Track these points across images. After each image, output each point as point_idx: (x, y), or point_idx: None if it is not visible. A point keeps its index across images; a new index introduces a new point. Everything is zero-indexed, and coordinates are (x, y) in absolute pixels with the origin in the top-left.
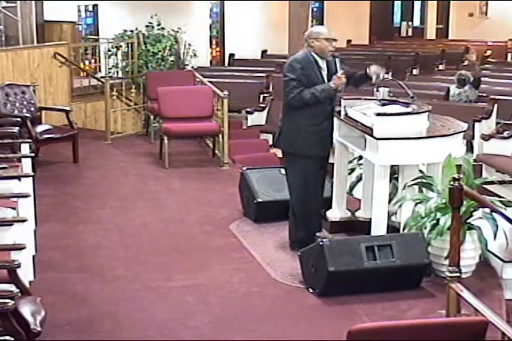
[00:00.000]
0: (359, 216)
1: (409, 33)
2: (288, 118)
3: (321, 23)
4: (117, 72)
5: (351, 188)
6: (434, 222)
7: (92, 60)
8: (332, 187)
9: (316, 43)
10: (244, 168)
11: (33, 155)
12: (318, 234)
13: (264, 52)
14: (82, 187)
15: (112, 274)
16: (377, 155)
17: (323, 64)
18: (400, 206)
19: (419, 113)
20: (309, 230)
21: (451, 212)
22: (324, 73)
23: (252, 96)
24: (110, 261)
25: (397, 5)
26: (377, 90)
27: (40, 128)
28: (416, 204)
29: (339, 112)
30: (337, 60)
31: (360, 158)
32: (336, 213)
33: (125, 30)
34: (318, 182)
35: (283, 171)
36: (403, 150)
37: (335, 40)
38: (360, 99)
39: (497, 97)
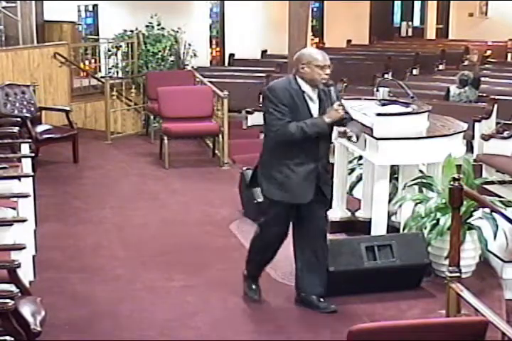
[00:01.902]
0: (359, 216)
1: (409, 33)
2: (267, 153)
3: (321, 23)
4: (117, 72)
5: (351, 188)
6: (434, 222)
7: (92, 60)
8: (332, 187)
9: (306, 70)
10: (244, 168)
11: (33, 155)
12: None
13: (264, 52)
14: (82, 187)
15: (112, 274)
16: (377, 155)
17: (313, 94)
18: (400, 206)
19: (419, 113)
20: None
21: (451, 212)
22: (314, 105)
23: (252, 96)
24: (110, 261)
25: (397, 5)
26: (377, 90)
27: (40, 128)
28: (416, 204)
29: None
30: (332, 88)
31: (360, 158)
32: (336, 213)
33: (125, 30)
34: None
35: None
36: (403, 150)
37: (329, 66)
38: (360, 99)
39: (497, 97)
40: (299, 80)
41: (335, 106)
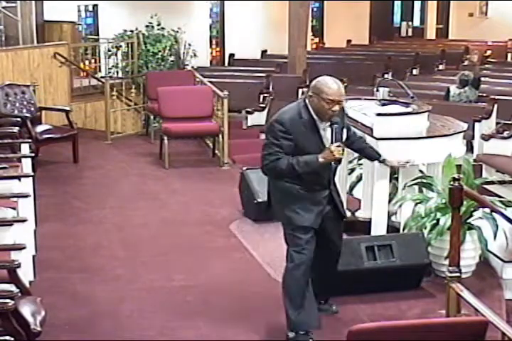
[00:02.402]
0: (359, 216)
1: (409, 33)
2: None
3: (321, 23)
4: (117, 72)
5: (351, 188)
6: (434, 222)
7: (92, 60)
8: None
9: (313, 99)
10: (244, 168)
11: (33, 155)
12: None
13: (264, 52)
14: (82, 187)
15: (112, 274)
16: None
17: (324, 124)
18: (400, 206)
19: (419, 113)
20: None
21: (451, 212)
22: (326, 133)
23: (252, 96)
24: (110, 261)
25: (397, 5)
26: (377, 90)
27: (40, 128)
28: (416, 204)
29: None
30: (335, 126)
31: (360, 158)
32: None
33: (125, 30)
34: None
35: None
36: (403, 151)
37: (340, 102)
38: (360, 99)
39: (497, 97)
40: (310, 107)
41: (332, 147)
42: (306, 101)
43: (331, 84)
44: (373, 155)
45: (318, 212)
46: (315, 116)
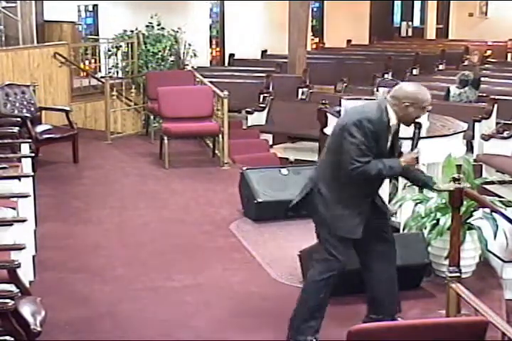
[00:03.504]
0: None
1: (409, 33)
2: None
3: (321, 23)
4: (117, 72)
5: None
6: (434, 222)
7: (92, 60)
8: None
9: (410, 109)
10: (244, 168)
11: (33, 155)
12: None
13: (264, 52)
14: (82, 187)
15: (111, 274)
16: None
17: (393, 129)
18: (400, 206)
19: None
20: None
21: (451, 212)
22: (390, 140)
23: (252, 96)
24: (110, 261)
25: (397, 5)
26: (377, 90)
27: (40, 128)
28: (416, 204)
29: (339, 112)
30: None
31: None
32: None
33: (125, 30)
34: None
35: (283, 171)
36: (403, 150)
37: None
38: (360, 99)
39: (497, 97)
40: (390, 113)
41: (413, 153)
42: (387, 104)
43: (426, 93)
44: (427, 184)
45: (362, 221)
46: (391, 122)
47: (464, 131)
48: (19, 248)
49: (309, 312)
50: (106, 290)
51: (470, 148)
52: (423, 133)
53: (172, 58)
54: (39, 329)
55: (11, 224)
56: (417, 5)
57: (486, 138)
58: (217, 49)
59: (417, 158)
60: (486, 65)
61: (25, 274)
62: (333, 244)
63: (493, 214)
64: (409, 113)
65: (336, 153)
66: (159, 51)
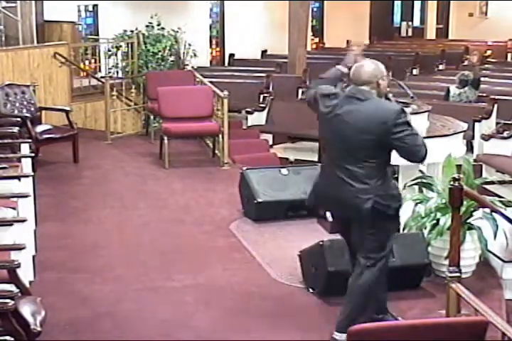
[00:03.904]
0: None
1: (409, 33)
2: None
3: (321, 23)
4: (117, 72)
5: None
6: (434, 222)
7: (92, 60)
8: None
9: (382, 84)
10: (244, 168)
11: (33, 155)
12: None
13: (264, 52)
14: (82, 187)
15: (111, 274)
16: None
17: None
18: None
19: (419, 113)
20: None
21: (451, 212)
22: None
23: (252, 96)
24: (110, 261)
25: (397, 5)
26: None
27: (40, 128)
28: (416, 204)
29: None
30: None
31: None
32: None
33: (125, 30)
34: None
35: (283, 171)
36: None
37: None
38: None
39: (497, 97)
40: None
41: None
42: (371, 92)
43: (375, 62)
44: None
45: None
46: None
47: (464, 131)
48: (19, 248)
49: (369, 306)
50: (106, 290)
51: (470, 148)
52: (423, 134)
53: (172, 58)
54: (39, 329)
55: (11, 224)
56: (417, 5)
57: (486, 138)
58: (217, 49)
59: None
60: (486, 65)
61: (25, 274)
62: (389, 245)
63: (493, 214)
64: (383, 87)
65: (377, 151)
66: (159, 51)
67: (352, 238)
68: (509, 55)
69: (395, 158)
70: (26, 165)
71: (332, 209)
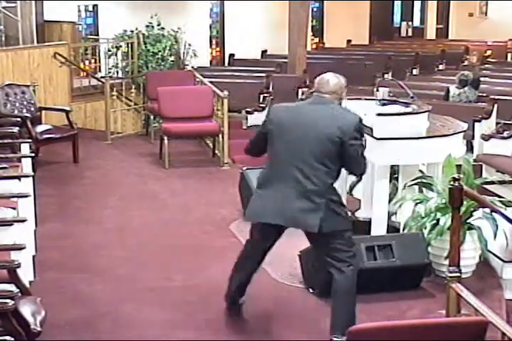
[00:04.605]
0: (359, 216)
1: (409, 33)
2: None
3: (321, 23)
4: (117, 72)
5: (351, 188)
6: (434, 222)
7: (92, 60)
8: None
9: (343, 96)
10: (244, 168)
11: (33, 155)
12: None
13: (264, 52)
14: (82, 187)
15: (112, 274)
16: (377, 155)
17: None
18: (400, 206)
19: (419, 113)
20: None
21: (451, 212)
22: None
23: (252, 96)
24: (110, 261)
25: (397, 5)
26: (377, 90)
27: (40, 128)
28: (416, 204)
29: None
30: None
31: None
32: None
33: (125, 30)
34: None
35: None
36: (403, 150)
37: None
38: (360, 99)
39: (497, 97)
40: None
41: None
42: (336, 102)
43: (337, 75)
44: None
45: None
46: None
47: (464, 131)
48: (19, 248)
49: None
50: (106, 290)
51: (470, 148)
52: (423, 134)
53: (172, 58)
54: (39, 329)
55: (11, 224)
56: (417, 5)
57: (486, 138)
58: (217, 49)
59: None
60: (486, 65)
61: (25, 274)
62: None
63: (493, 214)
64: (343, 98)
65: (332, 158)
66: (159, 51)
67: (318, 249)
68: (509, 55)
69: (395, 158)
70: (26, 165)
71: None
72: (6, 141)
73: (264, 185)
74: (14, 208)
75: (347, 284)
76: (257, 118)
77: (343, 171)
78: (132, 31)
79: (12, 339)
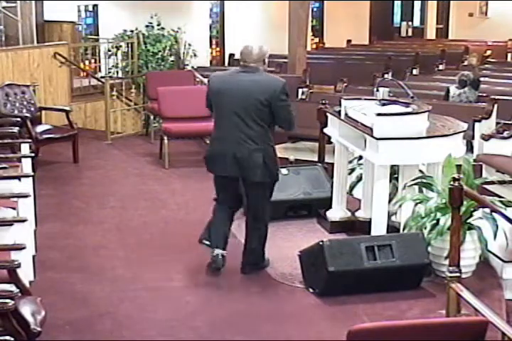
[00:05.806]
0: (359, 216)
1: (409, 33)
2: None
3: (321, 23)
4: (117, 72)
5: (351, 188)
6: (434, 222)
7: (92, 60)
8: (332, 187)
9: (266, 60)
10: None
11: (33, 155)
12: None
13: None
14: (82, 187)
15: (111, 274)
16: (377, 155)
17: None
18: (400, 206)
19: (419, 113)
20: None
21: (451, 212)
22: None
23: None
24: (110, 261)
25: (397, 5)
26: (377, 90)
27: (40, 128)
28: (416, 204)
29: (339, 112)
30: None
31: (360, 158)
32: (336, 213)
33: (125, 30)
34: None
35: (283, 171)
36: (403, 150)
37: None
38: (360, 99)
39: (497, 97)
40: None
41: None
42: (261, 68)
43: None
44: None
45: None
46: None
47: (464, 131)
48: (19, 248)
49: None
50: (106, 290)
51: (470, 148)
52: (423, 134)
53: (172, 58)
54: (39, 329)
55: (11, 224)
56: (417, 5)
57: (486, 138)
58: (217, 49)
59: None
60: (486, 65)
61: (25, 274)
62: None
63: (493, 214)
64: (266, 64)
65: (263, 117)
66: (159, 51)
67: (247, 198)
68: (509, 55)
69: (395, 158)
70: (26, 165)
71: (225, 166)
72: (6, 141)
73: (211, 143)
74: (14, 208)
75: (256, 233)
76: None
77: (343, 171)
78: (132, 31)
79: (12, 339)
